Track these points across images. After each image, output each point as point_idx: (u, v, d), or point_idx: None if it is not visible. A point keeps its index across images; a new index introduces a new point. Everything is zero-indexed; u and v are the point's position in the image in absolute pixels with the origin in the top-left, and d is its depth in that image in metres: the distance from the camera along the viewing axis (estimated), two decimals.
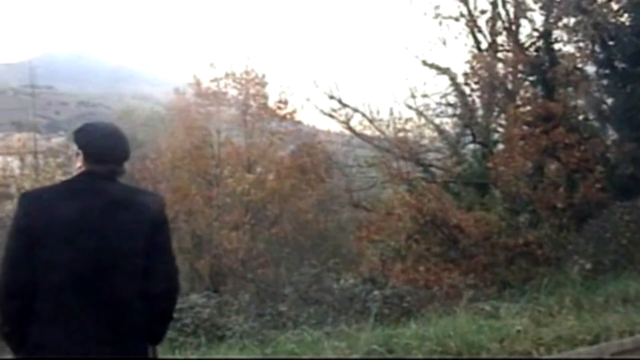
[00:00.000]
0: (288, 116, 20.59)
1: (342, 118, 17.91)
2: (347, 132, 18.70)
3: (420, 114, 17.43)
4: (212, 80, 20.58)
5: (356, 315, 8.35)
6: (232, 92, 20.77)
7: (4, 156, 33.46)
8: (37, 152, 19.98)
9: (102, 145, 3.12)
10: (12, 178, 21.50)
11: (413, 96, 17.11)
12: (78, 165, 3.13)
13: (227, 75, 20.48)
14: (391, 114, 17.33)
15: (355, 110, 17.77)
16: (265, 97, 20.61)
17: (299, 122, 21.08)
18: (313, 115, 19.90)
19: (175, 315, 7.74)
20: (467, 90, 16.65)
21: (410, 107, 17.33)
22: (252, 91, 20.56)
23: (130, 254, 3.07)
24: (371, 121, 17.63)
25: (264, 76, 20.57)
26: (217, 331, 8.18)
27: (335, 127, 19.55)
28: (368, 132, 17.99)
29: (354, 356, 6.18)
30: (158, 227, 3.20)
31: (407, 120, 17.27)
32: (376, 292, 9.58)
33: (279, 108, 20.50)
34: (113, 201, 3.06)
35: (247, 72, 20.46)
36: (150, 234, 3.13)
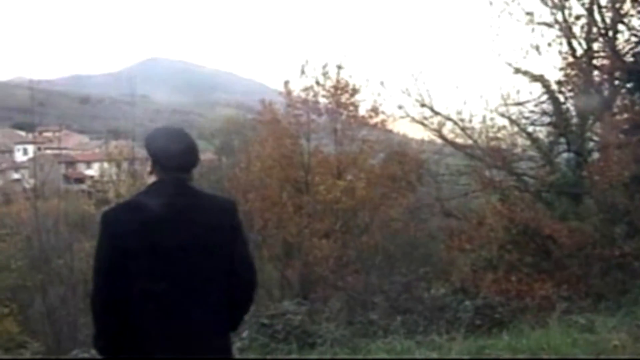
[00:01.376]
0: (379, 125, 20.50)
1: (434, 126, 17.75)
2: (438, 140, 18.54)
3: (513, 122, 17.13)
4: (303, 90, 20.67)
5: (447, 325, 8.28)
6: (323, 100, 20.81)
7: (102, 163, 34.63)
8: (134, 158, 20.55)
9: (171, 153, 3.19)
10: (110, 184, 22.27)
11: (505, 104, 16.84)
12: (148, 170, 3.24)
13: (318, 83, 20.53)
14: (483, 122, 17.11)
15: (447, 119, 17.60)
16: (355, 105, 20.59)
17: (390, 131, 20.98)
18: (404, 123, 19.75)
19: (266, 321, 7.91)
20: (561, 98, 16.31)
21: (502, 115, 17.07)
22: (342, 100, 20.56)
23: (212, 258, 3.17)
24: (463, 129, 17.42)
25: (355, 85, 20.54)
26: (308, 338, 8.23)
27: (426, 135, 19.41)
28: (460, 140, 17.79)
29: None
30: (233, 229, 3.30)
31: (500, 128, 17.00)
32: (467, 303, 9.48)
33: (370, 117, 20.45)
34: (188, 208, 3.15)
35: (338, 81, 20.47)
36: (226, 236, 3.23)
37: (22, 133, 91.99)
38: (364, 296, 11.98)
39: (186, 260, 3.07)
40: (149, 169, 3.23)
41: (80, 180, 54.96)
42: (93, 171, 55.60)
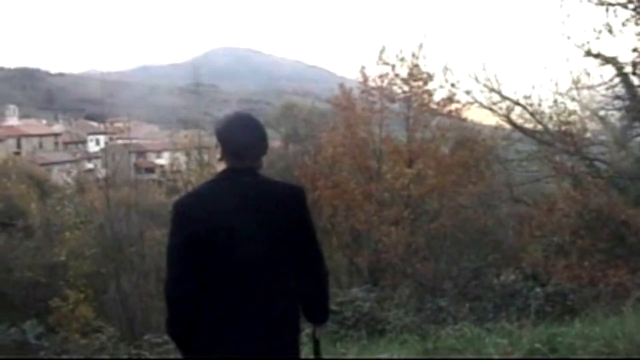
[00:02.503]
0: (453, 113, 20.27)
1: (502, 111, 17.53)
2: (507, 125, 18.28)
3: (584, 106, 16.78)
4: (379, 77, 20.55)
5: (517, 312, 8.19)
6: (397, 88, 20.66)
7: (171, 152, 35.19)
8: (203, 147, 20.82)
9: (238, 140, 3.22)
10: (179, 173, 22.63)
11: (576, 88, 16.48)
12: (218, 157, 3.28)
13: (393, 70, 20.38)
14: (554, 106, 16.79)
15: (516, 103, 17.34)
16: (429, 93, 20.40)
17: (464, 120, 20.72)
18: (475, 111, 19.50)
19: (336, 308, 7.94)
20: (635, 80, 15.86)
21: (573, 99, 16.73)
22: (416, 87, 20.39)
23: (282, 245, 3.21)
24: (532, 114, 17.15)
25: (428, 72, 20.33)
26: (377, 325, 8.26)
27: (494, 120, 19.15)
28: (529, 126, 17.52)
29: (516, 355, 6.07)
30: (302, 216, 3.33)
31: (571, 113, 16.66)
32: (538, 289, 9.36)
33: (444, 105, 20.24)
34: (258, 195, 3.18)
35: (412, 68, 20.29)
36: (294, 223, 3.26)
37: (95, 124, 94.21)
38: (432, 283, 11.94)
39: (256, 247, 3.11)
40: (218, 156, 3.27)
41: (151, 169, 56.06)
42: (163, 160, 56.65)
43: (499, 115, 17.71)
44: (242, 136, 3.22)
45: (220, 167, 3.25)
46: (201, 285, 3.08)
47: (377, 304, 9.09)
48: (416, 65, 20.16)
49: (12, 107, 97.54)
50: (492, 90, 17.36)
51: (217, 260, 3.08)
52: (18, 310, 13.06)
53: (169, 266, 3.18)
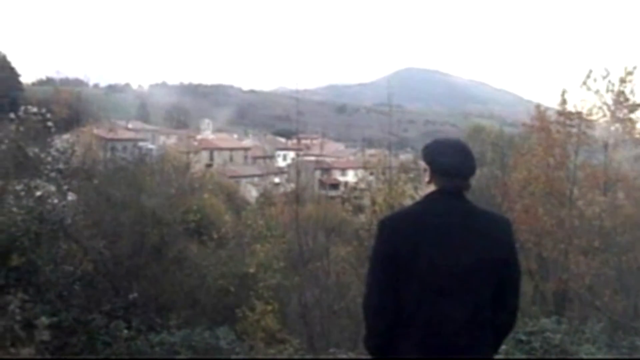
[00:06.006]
0: None
1: None
2: None
3: None
4: (580, 101, 19.94)
5: None
6: (597, 113, 19.95)
7: (356, 170, 35.63)
8: (390, 167, 20.96)
9: (449, 160, 3.26)
10: (366, 191, 22.86)
11: None
12: (426, 180, 3.31)
13: (596, 94, 19.70)
14: None
15: None
16: (633, 122, 19.53)
17: None
18: None
19: (524, 337, 7.73)
20: None
21: None
22: (619, 114, 19.60)
23: (485, 274, 3.19)
24: None
25: (635, 101, 19.46)
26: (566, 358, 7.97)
27: None
28: None
29: None
30: (511, 249, 3.30)
31: None
32: None
33: None
34: (465, 220, 3.20)
35: (619, 95, 19.52)
36: (500, 256, 3.23)
37: (282, 139, 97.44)
38: (623, 319, 11.38)
39: (458, 272, 3.13)
40: (427, 178, 3.32)
41: (335, 185, 57.08)
42: (348, 178, 57.56)
43: None
44: (452, 156, 3.28)
45: (429, 189, 3.29)
46: (398, 301, 3.15)
47: (567, 337, 8.75)
48: (622, 92, 19.36)
49: (207, 121, 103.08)
50: None
51: (416, 282, 3.12)
52: (208, 316, 13.66)
53: (368, 281, 3.28)
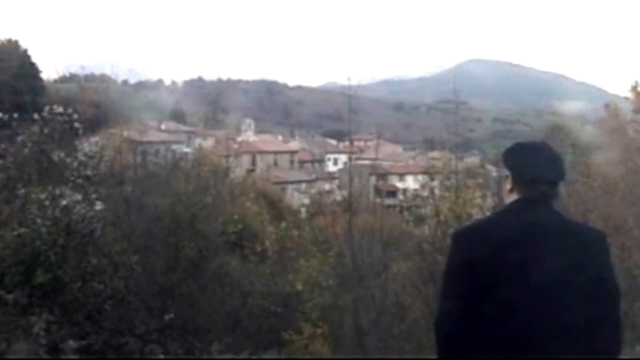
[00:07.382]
0: None
1: None
2: None
3: None
4: None
5: None
6: None
7: (416, 175, 35.44)
8: (454, 172, 20.78)
9: (533, 165, 3.20)
10: (429, 199, 22.62)
11: None
12: (508, 187, 3.24)
13: None
14: None
15: None
16: None
17: None
18: None
19: None
20: None
21: None
22: None
23: (574, 293, 3.11)
24: None
25: None
26: None
27: None
28: None
29: None
30: (602, 268, 3.21)
31: None
32: None
33: None
34: (553, 232, 3.13)
35: None
36: (593, 274, 3.14)
37: (333, 142, 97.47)
38: None
39: (543, 289, 3.07)
40: (508, 187, 3.26)
41: (392, 193, 56.90)
42: (407, 184, 57.32)
43: None
44: (537, 159, 3.22)
45: (511, 198, 3.23)
46: (475, 321, 3.09)
47: None
48: None
49: (248, 121, 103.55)
50: None
51: (496, 300, 3.07)
52: (251, 339, 13.69)
53: (441, 299, 3.27)
